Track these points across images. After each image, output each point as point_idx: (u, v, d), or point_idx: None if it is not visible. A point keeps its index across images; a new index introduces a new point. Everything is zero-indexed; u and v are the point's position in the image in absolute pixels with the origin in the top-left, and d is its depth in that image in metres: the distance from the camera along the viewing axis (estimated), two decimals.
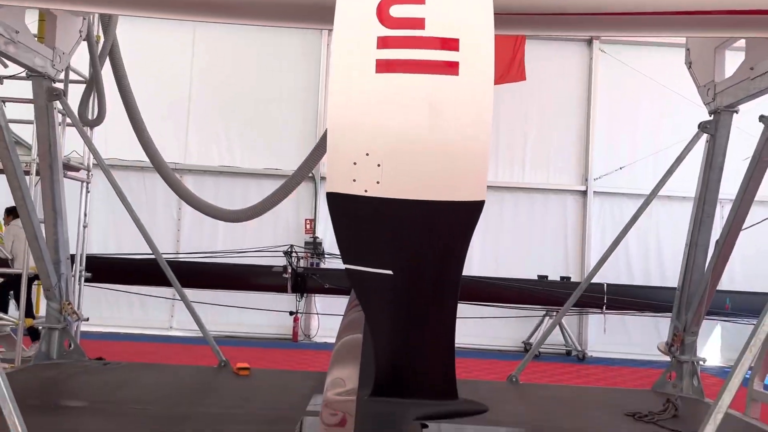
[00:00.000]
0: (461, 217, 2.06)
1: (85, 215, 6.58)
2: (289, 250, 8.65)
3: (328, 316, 10.04)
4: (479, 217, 2.05)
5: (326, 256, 10.39)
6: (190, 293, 10.58)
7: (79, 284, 6.50)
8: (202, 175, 10.75)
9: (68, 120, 5.63)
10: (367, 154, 2.02)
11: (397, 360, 2.32)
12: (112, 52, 5.31)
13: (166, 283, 9.95)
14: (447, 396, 2.34)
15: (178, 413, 3.65)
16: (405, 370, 2.32)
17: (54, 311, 5.16)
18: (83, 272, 6.52)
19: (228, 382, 4.64)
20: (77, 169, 6.31)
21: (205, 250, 10.29)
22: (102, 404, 3.80)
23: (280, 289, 9.11)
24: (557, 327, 9.77)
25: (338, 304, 8.83)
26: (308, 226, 10.82)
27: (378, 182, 2.02)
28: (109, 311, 10.49)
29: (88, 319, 6.80)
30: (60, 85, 5.29)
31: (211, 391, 4.34)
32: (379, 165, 2.02)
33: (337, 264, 10.12)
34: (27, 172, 5.25)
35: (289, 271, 8.83)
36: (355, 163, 2.03)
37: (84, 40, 5.31)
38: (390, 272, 2.10)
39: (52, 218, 5.13)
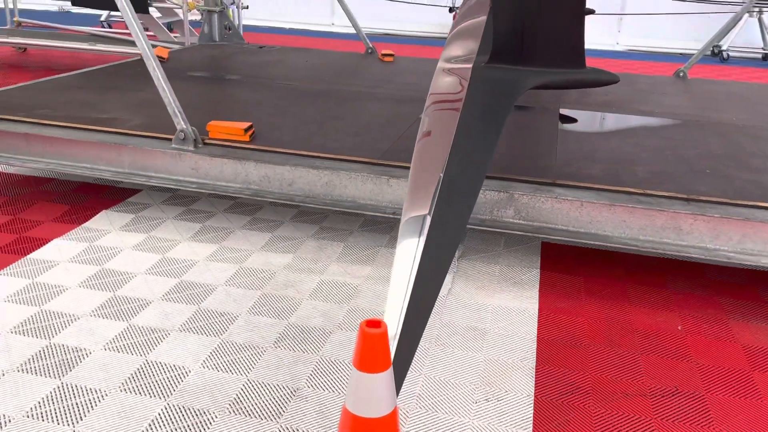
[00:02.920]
0: None
1: None
2: None
3: None
4: None
5: None
6: None
7: None
8: None
9: None
10: None
11: (518, 22, 2.07)
12: None
13: None
14: (572, 64, 2.11)
15: (319, 89, 3.78)
16: (526, 34, 2.08)
17: None
18: None
19: (371, 66, 4.68)
20: None
21: None
22: (252, 78, 4.04)
23: None
24: (756, 24, 8.46)
25: None
26: None
27: None
28: (270, 5, 10.71)
29: (248, 7, 7.01)
30: None
31: (354, 73, 4.41)
32: None
33: None
34: None
35: None
36: None
37: None
38: None
39: None
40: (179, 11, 6.27)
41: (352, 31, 10.24)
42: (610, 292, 2.51)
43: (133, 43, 5.87)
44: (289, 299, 2.36)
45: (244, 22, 10.19)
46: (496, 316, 2.31)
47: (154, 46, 4.94)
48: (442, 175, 1.84)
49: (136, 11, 5.90)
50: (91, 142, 2.72)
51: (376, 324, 1.13)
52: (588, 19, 7.47)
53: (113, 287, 2.38)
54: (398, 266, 1.68)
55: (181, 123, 2.64)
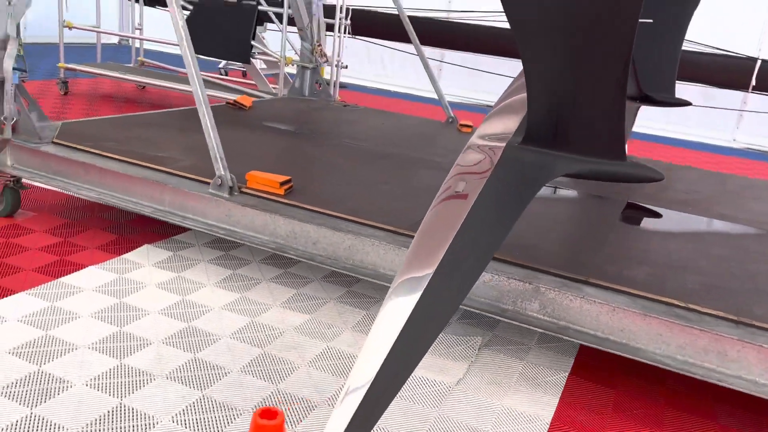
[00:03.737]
0: None
1: None
2: None
3: None
4: None
5: None
6: (458, 57, 10.50)
7: (340, 33, 6.79)
8: None
9: None
10: None
11: (552, 105, 1.93)
12: None
13: (437, 44, 9.94)
14: (610, 154, 1.93)
15: (381, 152, 3.75)
16: (561, 118, 1.93)
17: (306, 51, 5.53)
18: (342, 20, 6.77)
19: (446, 135, 4.61)
20: None
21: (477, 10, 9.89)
22: (319, 134, 4.08)
23: None
24: None
25: None
26: None
27: None
28: (378, 67, 11.01)
29: (346, 67, 7.22)
30: None
31: (425, 140, 4.36)
32: None
33: None
34: None
35: None
36: None
37: None
38: None
39: None
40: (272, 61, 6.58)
41: (457, 99, 10.31)
42: (643, 414, 2.21)
43: (231, 90, 6.19)
44: (287, 362, 2.26)
45: (351, 81, 10.53)
46: (502, 419, 2.08)
47: (240, 93, 5.16)
48: (447, 246, 1.74)
49: (239, 61, 6.21)
50: (137, 178, 2.81)
51: (271, 414, 1.00)
52: (704, 113, 7.09)
53: (122, 322, 2.39)
54: (377, 331, 1.59)
55: (220, 169, 2.67)
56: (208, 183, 2.72)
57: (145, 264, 2.89)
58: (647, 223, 2.94)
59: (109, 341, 2.25)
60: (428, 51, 10.49)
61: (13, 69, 2.99)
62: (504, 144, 2.05)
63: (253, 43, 5.85)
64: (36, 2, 9.94)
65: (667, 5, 4.52)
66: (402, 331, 1.58)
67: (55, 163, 3.00)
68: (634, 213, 3.02)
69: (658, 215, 3.03)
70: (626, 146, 1.92)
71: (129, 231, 3.25)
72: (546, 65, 1.84)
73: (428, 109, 9.02)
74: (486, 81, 9.88)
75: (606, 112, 1.83)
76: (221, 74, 8.85)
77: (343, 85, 9.89)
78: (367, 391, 1.48)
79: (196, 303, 2.60)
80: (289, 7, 5.52)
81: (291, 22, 5.78)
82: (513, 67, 9.49)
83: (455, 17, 10.12)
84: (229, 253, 3.10)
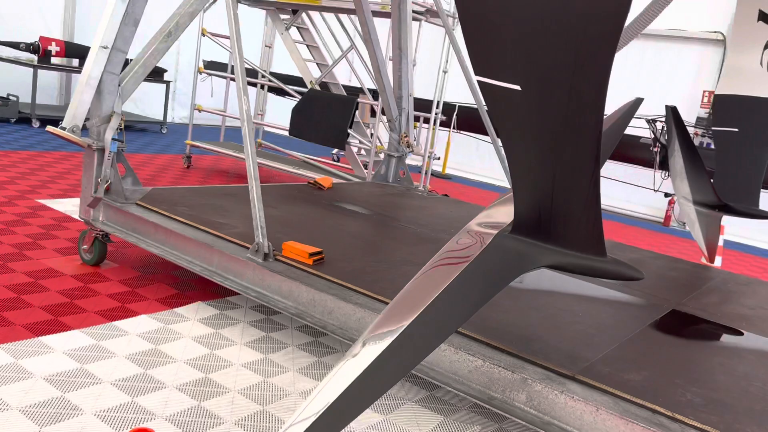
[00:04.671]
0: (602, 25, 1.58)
1: (446, 61, 7.04)
2: (653, 118, 7.63)
3: None
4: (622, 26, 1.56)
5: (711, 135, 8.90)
6: None
7: (434, 125, 7.13)
8: None
9: None
10: None
11: (535, 197, 2.01)
12: None
13: None
14: (591, 250, 1.95)
15: (433, 237, 3.87)
16: (543, 212, 2.00)
17: (394, 141, 5.86)
18: (438, 115, 7.12)
19: None
20: (436, 15, 6.69)
21: None
22: (381, 216, 4.29)
23: (646, 163, 8.26)
24: None
25: None
26: (706, 99, 9.34)
27: None
28: (486, 162, 11.16)
29: (439, 158, 7.50)
30: None
31: None
32: None
33: None
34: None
35: (658, 145, 7.88)
36: None
37: None
38: (518, 87, 1.80)
39: (398, 56, 5.66)
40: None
41: None
42: None
43: (327, 172, 6.62)
44: (281, 423, 2.37)
45: (459, 173, 10.79)
46: None
47: (336, 176, 5.53)
48: (415, 316, 1.87)
49: (336, 147, 6.67)
50: (191, 239, 3.14)
51: None
52: None
53: (148, 366, 2.63)
54: (335, 374, 1.76)
55: (259, 237, 2.93)
56: (248, 248, 2.98)
57: (191, 318, 3.17)
58: (680, 331, 2.80)
59: (130, 380, 2.49)
60: None
61: (113, 140, 3.50)
62: (496, 231, 2.14)
63: (349, 131, 6.30)
64: (188, 87, 10.89)
65: (754, 114, 4.39)
66: (355, 380, 1.73)
67: (133, 221, 3.43)
68: (672, 320, 2.88)
69: (697, 326, 2.87)
70: (604, 243, 1.93)
71: (189, 288, 3.57)
72: (525, 162, 1.93)
73: None
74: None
75: (583, 209, 1.88)
76: (333, 159, 9.45)
77: (447, 177, 10.19)
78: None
79: (221, 358, 2.80)
80: None
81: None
82: (614, 167, 9.22)
83: None
84: (270, 318, 3.31)
